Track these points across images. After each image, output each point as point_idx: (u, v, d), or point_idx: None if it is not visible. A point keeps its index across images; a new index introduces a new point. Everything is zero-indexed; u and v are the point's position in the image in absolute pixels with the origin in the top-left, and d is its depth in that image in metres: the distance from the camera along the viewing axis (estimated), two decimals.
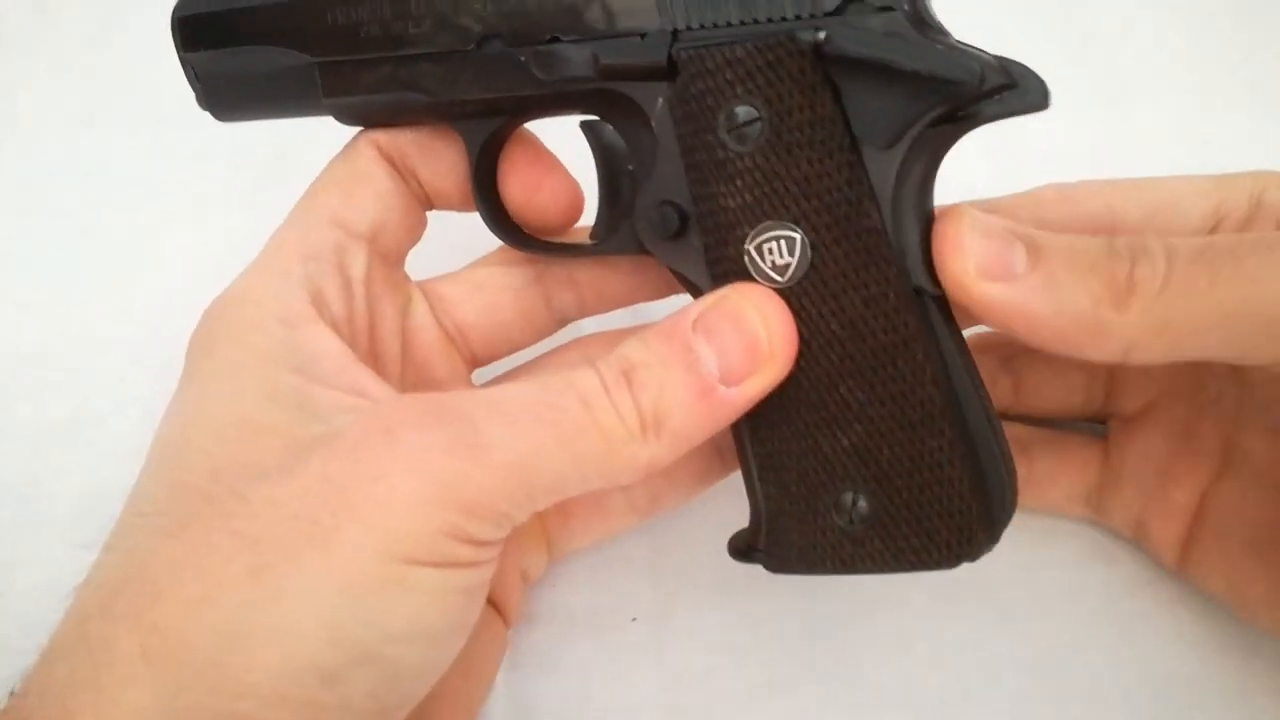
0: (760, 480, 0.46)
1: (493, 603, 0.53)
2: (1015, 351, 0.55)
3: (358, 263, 0.49)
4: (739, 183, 0.43)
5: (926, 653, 0.55)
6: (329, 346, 0.46)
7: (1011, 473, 0.44)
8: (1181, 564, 0.53)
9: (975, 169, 0.59)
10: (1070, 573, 0.56)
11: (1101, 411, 0.56)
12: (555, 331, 0.56)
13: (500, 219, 0.50)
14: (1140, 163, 0.66)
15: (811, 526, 0.45)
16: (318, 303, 0.47)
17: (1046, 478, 0.55)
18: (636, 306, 0.56)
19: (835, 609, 0.56)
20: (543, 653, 0.57)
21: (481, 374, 0.56)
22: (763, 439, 0.46)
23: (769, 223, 0.43)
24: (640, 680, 0.56)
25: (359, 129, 0.51)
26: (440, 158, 0.51)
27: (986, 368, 0.51)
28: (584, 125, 0.49)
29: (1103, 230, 0.48)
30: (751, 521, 0.48)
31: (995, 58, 0.41)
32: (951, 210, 0.43)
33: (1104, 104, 0.68)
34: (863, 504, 0.44)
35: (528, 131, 0.52)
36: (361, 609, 0.39)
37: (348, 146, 0.51)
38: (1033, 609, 0.55)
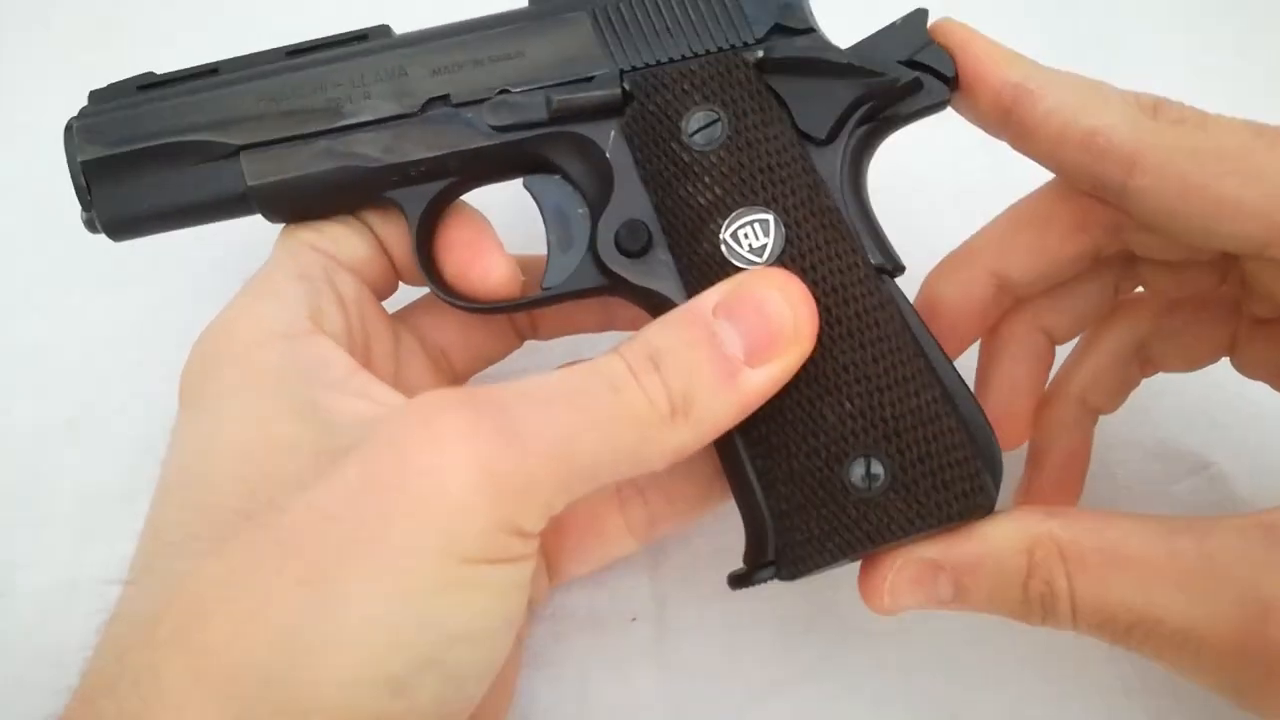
0: (761, 477, 0.46)
1: None
2: (1146, 338, 0.52)
3: (348, 285, 0.49)
4: (707, 179, 0.47)
5: (927, 653, 0.55)
6: (331, 354, 0.45)
7: (989, 424, 0.46)
8: None
9: (976, 160, 0.59)
10: None
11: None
12: (520, 345, 0.58)
13: (444, 286, 0.51)
14: None
15: (829, 507, 0.45)
16: (315, 318, 0.46)
17: (1183, 330, 0.52)
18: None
19: (835, 608, 0.56)
20: (543, 652, 0.57)
21: None
22: (759, 430, 0.46)
23: (741, 210, 0.46)
24: (640, 680, 0.56)
25: None
26: (391, 220, 0.51)
27: (1118, 365, 0.52)
28: (526, 183, 0.50)
29: (1001, 295, 0.50)
30: (751, 538, 0.48)
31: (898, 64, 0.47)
32: (878, 560, 0.45)
33: None
34: (877, 467, 0.45)
35: (465, 205, 0.52)
36: (423, 612, 0.38)
37: None
38: None
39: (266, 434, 0.42)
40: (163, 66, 0.52)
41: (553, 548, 0.54)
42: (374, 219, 0.51)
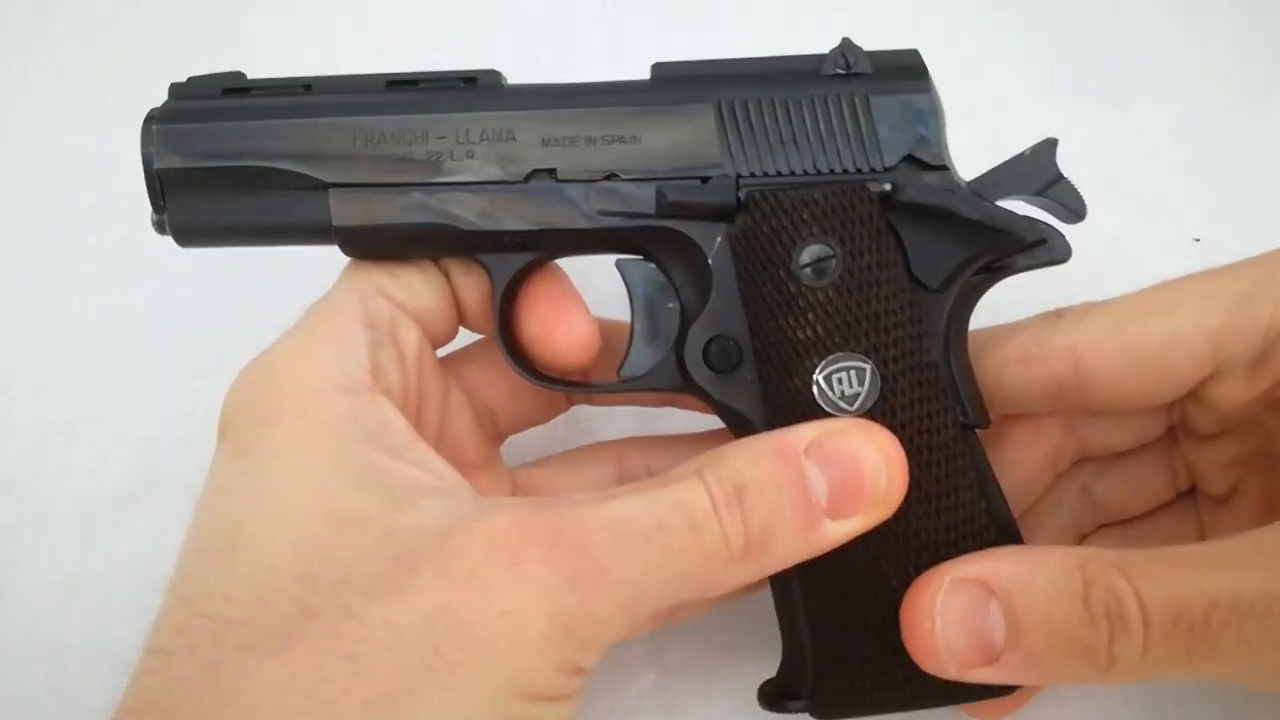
0: (811, 621, 0.45)
1: None
2: (1090, 480, 0.53)
3: (410, 338, 0.48)
4: (810, 316, 0.45)
5: None
6: (392, 417, 0.44)
7: None
8: None
9: (977, 167, 0.59)
10: None
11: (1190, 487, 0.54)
12: (568, 409, 0.57)
13: (521, 357, 0.50)
14: (1140, 163, 0.67)
15: (876, 664, 0.44)
16: (375, 373, 0.45)
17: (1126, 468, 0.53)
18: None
19: None
20: None
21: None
22: (817, 576, 0.44)
23: (840, 354, 0.45)
24: (640, 680, 0.56)
25: None
26: (472, 272, 0.49)
27: (1068, 500, 0.52)
28: (620, 264, 0.49)
29: (1069, 396, 0.48)
30: (788, 666, 0.47)
31: (1026, 217, 0.45)
32: (921, 594, 0.42)
33: (1104, 104, 0.68)
34: None
35: (554, 265, 0.51)
36: None
37: None
38: None
39: (330, 505, 0.40)
40: (164, 64, 0.52)
41: None
42: (453, 266, 0.49)
